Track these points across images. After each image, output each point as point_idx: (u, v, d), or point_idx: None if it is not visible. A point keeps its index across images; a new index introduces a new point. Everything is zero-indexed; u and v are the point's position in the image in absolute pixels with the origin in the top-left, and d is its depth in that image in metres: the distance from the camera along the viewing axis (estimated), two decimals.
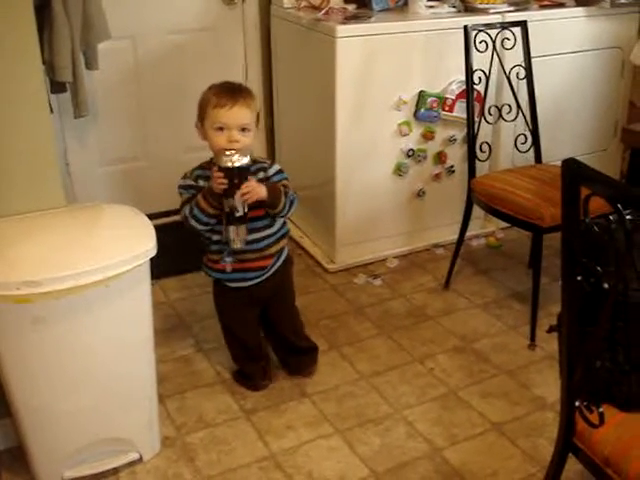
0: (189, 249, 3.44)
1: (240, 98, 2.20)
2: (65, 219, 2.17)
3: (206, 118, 2.23)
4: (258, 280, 2.37)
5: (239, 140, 2.19)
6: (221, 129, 2.19)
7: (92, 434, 2.10)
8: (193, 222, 2.28)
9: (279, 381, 2.56)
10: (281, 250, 2.41)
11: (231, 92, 2.22)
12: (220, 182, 2.14)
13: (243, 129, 2.20)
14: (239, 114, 2.19)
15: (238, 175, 2.13)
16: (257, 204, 2.22)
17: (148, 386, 2.18)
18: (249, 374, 2.55)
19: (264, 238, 2.32)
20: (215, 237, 2.32)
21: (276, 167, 2.32)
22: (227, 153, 2.13)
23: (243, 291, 2.39)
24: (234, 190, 2.14)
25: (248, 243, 2.27)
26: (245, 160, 2.13)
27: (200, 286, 3.18)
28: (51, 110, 2.55)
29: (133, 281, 1.97)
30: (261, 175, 2.27)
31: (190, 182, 2.30)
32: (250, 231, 2.25)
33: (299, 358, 2.58)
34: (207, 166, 2.30)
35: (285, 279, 2.48)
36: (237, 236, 2.23)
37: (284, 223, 2.39)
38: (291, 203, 2.29)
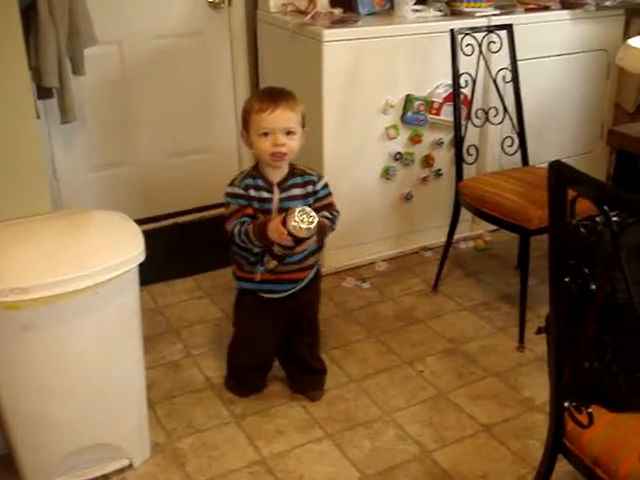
0: (178, 255, 3.46)
1: (282, 101, 2.16)
2: (52, 225, 2.16)
3: (250, 125, 2.18)
4: (293, 291, 2.33)
5: (284, 143, 2.14)
6: (265, 134, 2.15)
7: (82, 440, 2.09)
8: (240, 243, 2.21)
9: (268, 385, 2.56)
10: (316, 262, 2.38)
11: (273, 96, 2.18)
12: (285, 241, 2.07)
13: (288, 132, 2.16)
14: (282, 117, 2.14)
15: (301, 240, 2.08)
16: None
17: (137, 392, 2.18)
18: (247, 383, 2.52)
19: (303, 250, 2.26)
20: (256, 250, 2.23)
21: (323, 181, 2.28)
22: (296, 214, 2.02)
23: (276, 302, 2.34)
24: (293, 247, 2.12)
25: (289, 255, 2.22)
26: (314, 224, 2.03)
27: (188, 292, 3.18)
28: (38, 116, 2.55)
29: (121, 287, 1.96)
30: (310, 189, 2.24)
31: (239, 191, 2.22)
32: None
33: (307, 378, 2.52)
34: (256, 174, 2.24)
35: (315, 291, 2.44)
36: (271, 266, 2.20)
37: None
38: (333, 229, 2.28)
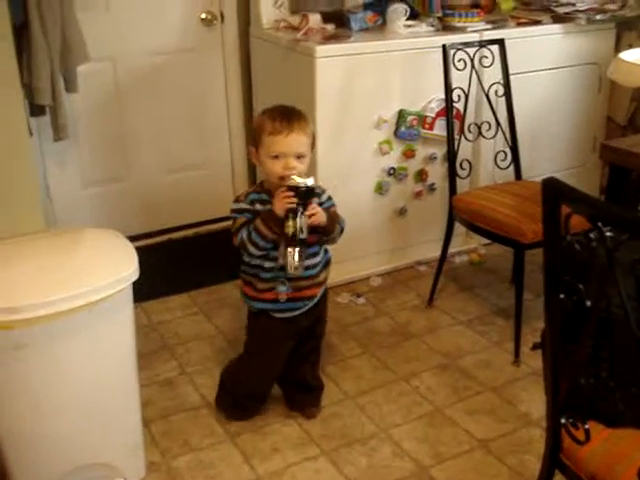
0: (172, 271, 3.46)
1: (296, 124, 2.15)
2: (45, 244, 2.16)
3: (261, 145, 2.18)
4: (307, 308, 2.32)
5: (295, 167, 2.15)
6: (277, 157, 2.15)
7: (76, 460, 2.07)
8: (251, 247, 2.18)
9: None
10: (326, 279, 2.38)
11: (287, 118, 2.16)
12: (290, 201, 2.08)
13: (299, 156, 2.16)
14: (296, 142, 2.15)
15: (306, 195, 2.11)
16: (312, 229, 2.17)
17: (132, 410, 2.16)
18: (245, 409, 2.47)
19: (317, 264, 2.28)
20: (268, 264, 2.23)
21: (327, 194, 2.30)
22: (294, 176, 2.11)
23: (289, 321, 2.31)
24: (301, 210, 2.11)
25: (304, 269, 2.20)
26: (312, 181, 2.11)
27: (183, 308, 3.17)
28: (30, 133, 2.55)
29: (115, 305, 1.96)
30: (316, 200, 2.23)
31: (245, 206, 2.23)
32: (306, 257, 2.19)
33: (304, 396, 2.50)
34: (261, 190, 2.25)
35: (324, 308, 2.44)
36: (296, 260, 2.13)
37: (327, 250, 2.35)
38: (342, 228, 2.29)
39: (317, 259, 2.29)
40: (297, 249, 2.12)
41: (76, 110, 3.32)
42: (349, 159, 3.19)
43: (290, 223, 2.11)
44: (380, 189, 3.30)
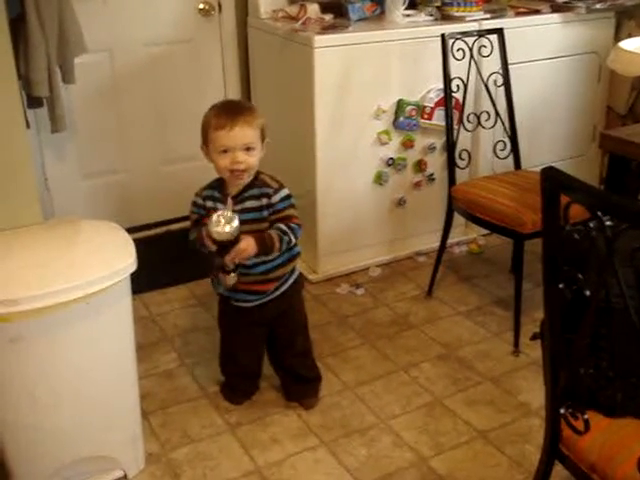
0: (171, 263, 3.45)
1: (240, 118, 2.14)
2: (43, 236, 2.15)
3: (209, 141, 2.19)
4: (261, 301, 2.33)
5: (243, 161, 2.14)
6: (225, 151, 2.15)
7: (75, 452, 2.08)
8: (200, 249, 2.22)
9: (263, 393, 2.55)
10: (287, 274, 2.35)
11: (230, 112, 2.17)
12: (209, 246, 2.11)
13: (247, 149, 2.15)
14: (240, 134, 2.14)
15: (226, 244, 2.08)
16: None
17: (131, 402, 2.16)
18: (239, 389, 2.52)
19: (267, 262, 2.26)
20: (216, 260, 2.24)
21: (282, 193, 2.24)
22: (214, 219, 2.05)
23: (246, 310, 2.34)
24: (223, 254, 2.11)
25: (248, 267, 2.23)
26: (233, 225, 2.04)
27: (182, 300, 3.17)
28: (28, 125, 2.54)
29: (113, 297, 1.95)
30: (264, 201, 2.21)
31: (200, 201, 2.27)
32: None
33: (301, 386, 2.50)
34: (216, 185, 2.27)
35: (293, 302, 2.42)
36: (227, 283, 2.20)
37: (290, 248, 2.31)
38: (288, 241, 2.22)
39: (270, 256, 2.25)
40: (227, 275, 2.18)
41: (73, 101, 3.31)
42: (348, 149, 3.18)
43: (217, 258, 2.15)
44: (379, 179, 3.30)
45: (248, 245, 2.12)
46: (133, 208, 3.67)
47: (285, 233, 2.21)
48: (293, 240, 2.24)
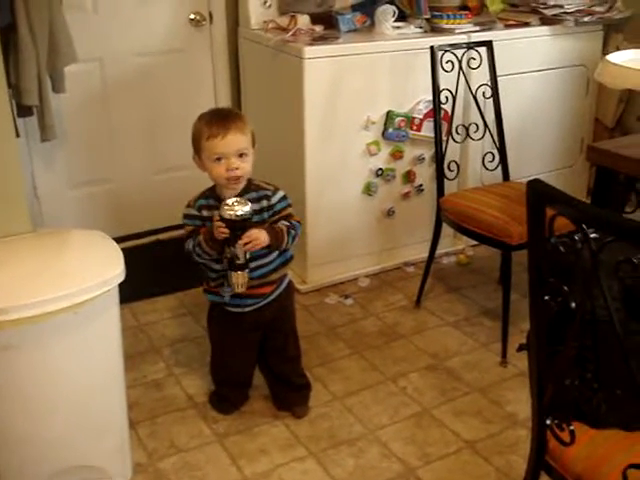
0: (160, 272, 3.45)
1: (232, 125, 2.16)
2: (32, 245, 2.15)
3: (202, 150, 2.20)
4: (257, 306, 2.33)
5: (238, 167, 2.16)
6: (219, 159, 2.16)
7: (62, 462, 2.07)
8: (197, 258, 2.25)
9: (251, 404, 2.54)
10: (283, 277, 2.38)
11: (221, 120, 2.18)
12: (221, 232, 2.10)
13: (241, 155, 2.17)
14: (234, 141, 2.16)
15: (239, 226, 2.09)
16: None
17: (119, 412, 2.16)
18: (228, 399, 2.52)
19: (268, 264, 2.28)
20: (216, 266, 2.27)
21: (280, 194, 2.28)
22: (228, 202, 2.08)
23: (241, 316, 2.34)
24: (236, 240, 2.11)
25: (250, 270, 2.22)
26: (246, 209, 2.08)
27: (170, 309, 3.17)
28: (17, 134, 2.53)
29: (102, 307, 1.95)
30: (264, 203, 2.24)
31: (194, 212, 2.27)
32: (252, 258, 2.21)
33: (291, 395, 2.51)
34: (210, 194, 2.27)
35: (287, 305, 2.44)
36: (238, 282, 2.18)
37: (284, 251, 2.33)
38: (294, 236, 2.26)
39: (267, 259, 2.27)
40: (239, 272, 2.17)
41: (63, 111, 3.31)
42: (337, 160, 3.19)
43: (227, 250, 2.15)
44: (369, 190, 3.31)
45: (260, 233, 2.15)
46: (122, 217, 3.66)
47: (292, 228, 2.25)
48: (298, 234, 2.28)
